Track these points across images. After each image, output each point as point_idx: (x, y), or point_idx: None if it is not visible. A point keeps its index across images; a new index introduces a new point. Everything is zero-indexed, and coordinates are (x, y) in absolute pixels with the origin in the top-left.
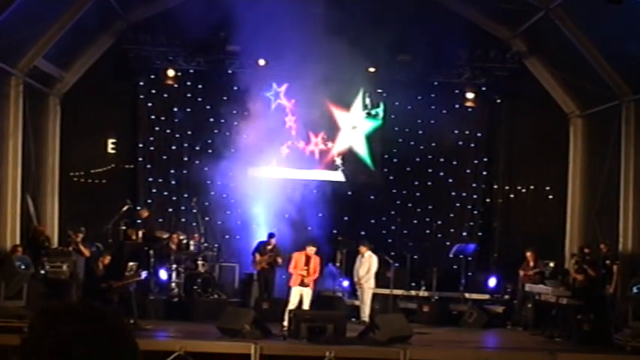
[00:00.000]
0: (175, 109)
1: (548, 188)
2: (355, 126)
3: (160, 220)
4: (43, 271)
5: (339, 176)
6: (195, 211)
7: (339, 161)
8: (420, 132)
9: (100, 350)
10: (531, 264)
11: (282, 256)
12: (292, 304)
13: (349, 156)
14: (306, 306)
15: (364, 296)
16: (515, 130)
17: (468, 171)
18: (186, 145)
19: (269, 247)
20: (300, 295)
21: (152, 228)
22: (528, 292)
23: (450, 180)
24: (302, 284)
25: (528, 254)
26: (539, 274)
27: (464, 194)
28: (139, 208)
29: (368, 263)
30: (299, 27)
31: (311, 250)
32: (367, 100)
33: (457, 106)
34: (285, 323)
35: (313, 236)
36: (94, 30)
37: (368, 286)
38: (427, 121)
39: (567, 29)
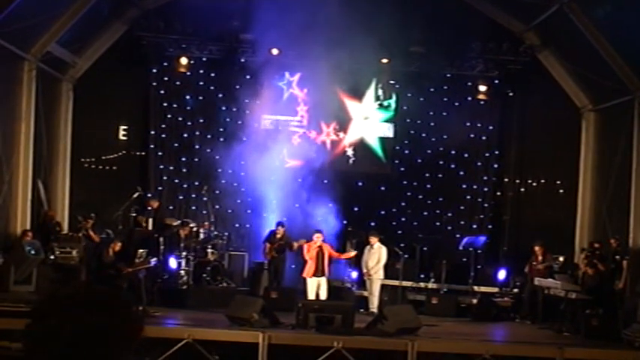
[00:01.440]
0: (187, 97)
1: (559, 182)
2: (367, 117)
3: (171, 207)
4: (52, 257)
5: (349, 167)
6: (205, 199)
7: (350, 152)
8: (432, 124)
9: (108, 339)
10: (540, 258)
11: (295, 242)
12: (311, 296)
13: (360, 147)
14: (323, 296)
15: (373, 287)
16: (527, 123)
17: (479, 164)
18: (197, 132)
19: (278, 236)
20: (317, 285)
21: (162, 217)
22: (537, 285)
23: (461, 172)
24: (317, 274)
25: (537, 248)
26: (548, 269)
27: (474, 187)
28: (149, 195)
29: (377, 254)
30: (312, 16)
31: (317, 237)
32: (379, 91)
33: (469, 98)
34: None
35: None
36: (107, 16)
37: (377, 277)
38: (439, 114)
39: (581, 23)
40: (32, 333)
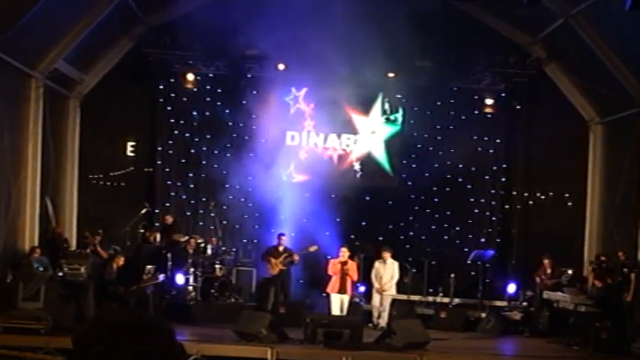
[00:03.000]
0: (194, 113)
1: (567, 195)
2: (374, 131)
3: (178, 223)
4: (61, 273)
5: (357, 181)
6: (213, 214)
7: (357, 166)
8: (439, 138)
9: None
10: (548, 271)
11: (296, 253)
12: (335, 312)
13: (367, 161)
14: (344, 312)
15: (384, 302)
16: (535, 136)
17: (487, 177)
18: (204, 148)
19: (281, 249)
20: (341, 303)
21: (173, 232)
22: (546, 299)
23: (469, 186)
24: (341, 291)
25: (546, 261)
26: (556, 284)
27: (482, 200)
28: (157, 211)
29: (391, 269)
30: (318, 32)
31: (343, 252)
32: (386, 105)
33: (476, 112)
34: None
35: (342, 241)
36: (114, 33)
37: (390, 293)
38: (446, 127)
39: (587, 36)
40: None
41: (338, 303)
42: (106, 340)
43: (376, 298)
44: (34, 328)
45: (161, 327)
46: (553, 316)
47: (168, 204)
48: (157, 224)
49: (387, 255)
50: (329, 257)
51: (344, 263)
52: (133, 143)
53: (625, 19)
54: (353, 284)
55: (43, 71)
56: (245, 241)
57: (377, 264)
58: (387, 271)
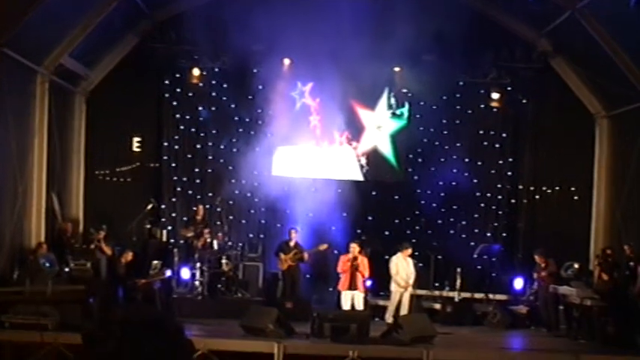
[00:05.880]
0: (200, 108)
1: (573, 189)
2: (380, 126)
3: (184, 218)
4: (67, 269)
5: (362, 176)
6: (219, 209)
7: (363, 161)
8: (445, 132)
9: None
10: (542, 265)
11: (307, 251)
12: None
13: (374, 156)
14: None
15: (405, 298)
16: (541, 130)
17: (493, 171)
18: (210, 143)
19: (292, 244)
20: (352, 299)
21: (203, 228)
22: (552, 293)
23: (475, 180)
24: (351, 287)
25: (537, 257)
26: (553, 275)
27: (488, 195)
28: (163, 207)
29: (412, 266)
30: (324, 26)
31: (353, 248)
32: (392, 100)
33: (482, 106)
34: None
35: (349, 236)
36: (119, 28)
37: (411, 289)
38: (452, 122)
39: (593, 29)
40: (90, 358)
41: (349, 300)
42: (116, 336)
43: (397, 294)
44: (41, 324)
45: (171, 323)
46: (559, 310)
47: (174, 199)
48: (162, 220)
49: (408, 251)
50: (336, 252)
51: (354, 259)
52: (138, 139)
53: (631, 13)
54: (364, 281)
55: (48, 67)
56: (251, 235)
57: (397, 260)
58: (410, 267)
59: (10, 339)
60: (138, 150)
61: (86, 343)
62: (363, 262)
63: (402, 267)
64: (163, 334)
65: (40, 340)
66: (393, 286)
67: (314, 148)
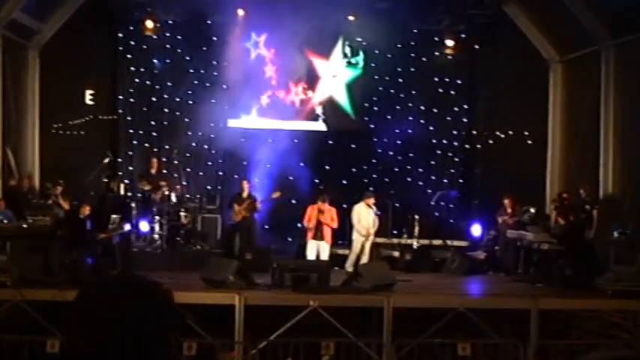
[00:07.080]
0: (155, 61)
1: (527, 134)
2: (335, 74)
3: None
4: (25, 225)
5: (319, 125)
6: (176, 162)
7: (319, 110)
8: (400, 80)
9: (145, 327)
10: (509, 210)
11: (260, 201)
12: (310, 258)
13: (329, 105)
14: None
15: (366, 246)
16: (495, 76)
17: (449, 118)
18: (166, 96)
19: (244, 195)
20: (317, 249)
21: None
22: (509, 238)
23: (431, 127)
24: (316, 237)
25: (506, 201)
26: (517, 222)
27: (444, 141)
28: (120, 160)
29: (373, 214)
30: None
31: (323, 204)
32: (347, 49)
33: (437, 53)
34: None
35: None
36: None
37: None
38: (407, 69)
39: None
40: (71, 318)
41: (314, 249)
42: (108, 302)
43: (358, 243)
44: (0, 280)
45: (162, 290)
46: (517, 254)
47: (131, 152)
48: (119, 173)
49: (371, 200)
50: (294, 201)
51: (319, 211)
52: (91, 92)
53: None
54: (333, 231)
55: (0, 22)
56: (209, 187)
57: (359, 208)
58: (371, 216)
59: None
60: (91, 103)
61: (77, 309)
62: (331, 213)
63: (364, 216)
64: (155, 300)
65: (1, 298)
66: (355, 235)
67: (270, 99)
